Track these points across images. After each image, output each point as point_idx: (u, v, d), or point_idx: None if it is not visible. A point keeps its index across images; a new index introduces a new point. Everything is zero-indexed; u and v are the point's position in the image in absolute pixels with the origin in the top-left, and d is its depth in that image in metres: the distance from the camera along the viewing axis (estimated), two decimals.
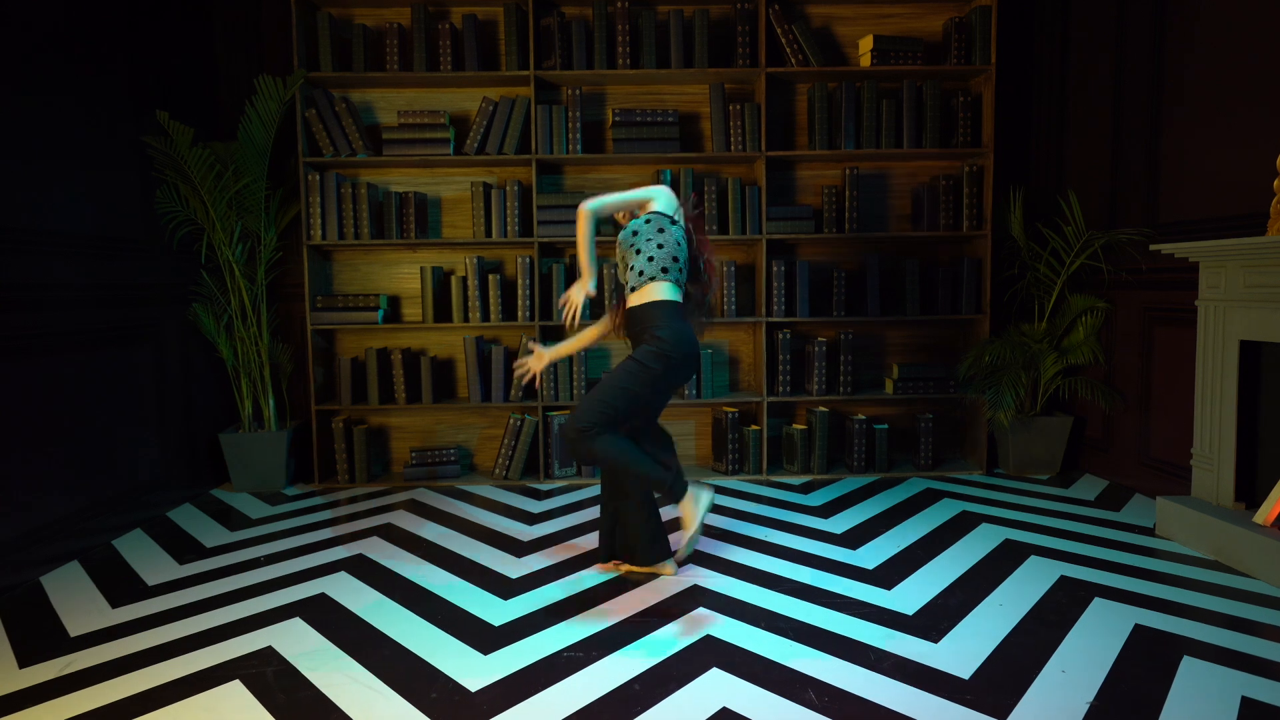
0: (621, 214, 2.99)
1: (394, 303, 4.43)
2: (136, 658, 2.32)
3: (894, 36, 4.19)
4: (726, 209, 4.20)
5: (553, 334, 4.31)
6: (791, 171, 4.45)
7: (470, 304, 4.20)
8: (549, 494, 4.02)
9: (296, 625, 2.52)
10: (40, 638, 2.46)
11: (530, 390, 4.21)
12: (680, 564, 2.95)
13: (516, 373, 3.14)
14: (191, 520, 3.64)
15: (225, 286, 4.06)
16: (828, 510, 3.67)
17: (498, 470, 4.25)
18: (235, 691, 2.12)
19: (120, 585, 2.87)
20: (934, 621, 2.49)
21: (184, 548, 3.27)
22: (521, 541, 3.31)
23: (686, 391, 4.22)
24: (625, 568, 2.94)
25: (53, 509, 3.06)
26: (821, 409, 4.25)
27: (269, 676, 2.20)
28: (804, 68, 4.14)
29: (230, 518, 3.67)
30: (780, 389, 4.26)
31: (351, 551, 3.19)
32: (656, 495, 2.83)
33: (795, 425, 4.33)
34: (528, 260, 4.17)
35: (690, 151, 4.28)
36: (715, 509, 3.69)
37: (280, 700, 2.08)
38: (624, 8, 4.08)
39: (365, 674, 2.21)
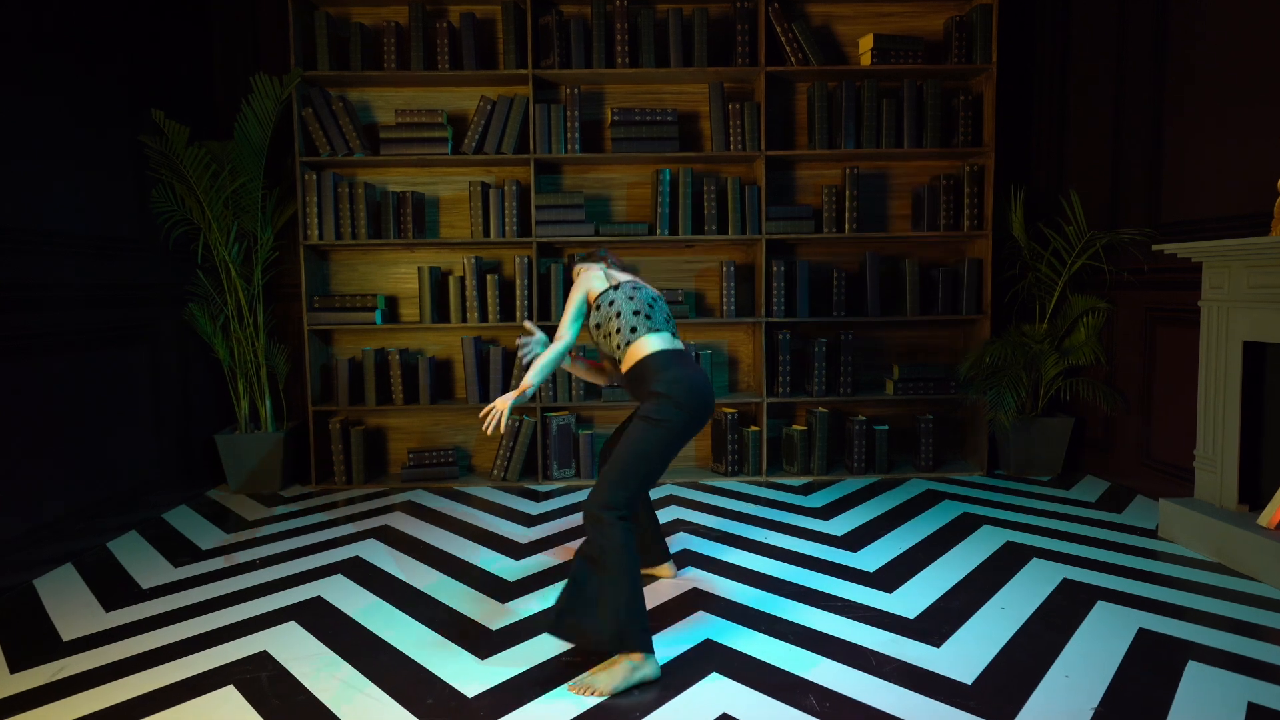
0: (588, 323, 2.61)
1: (391, 303, 4.40)
2: (129, 662, 2.29)
3: (894, 35, 4.16)
4: (726, 209, 4.17)
5: (551, 334, 4.28)
6: (791, 171, 4.43)
7: (468, 304, 4.17)
8: (547, 495, 4.00)
9: (292, 629, 2.49)
10: (32, 642, 2.43)
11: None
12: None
13: (520, 352, 2.67)
14: (187, 522, 3.61)
15: (221, 287, 4.04)
16: (828, 512, 3.65)
17: (496, 471, 4.23)
18: (229, 697, 2.10)
19: (114, 588, 2.85)
20: (936, 625, 2.47)
21: (179, 550, 3.24)
22: (520, 544, 3.28)
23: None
24: None
25: (47, 510, 3.03)
26: (821, 410, 4.23)
27: (264, 682, 2.18)
28: (804, 67, 4.12)
29: (226, 520, 3.65)
30: (780, 390, 4.24)
31: (348, 554, 3.16)
32: (600, 631, 2.19)
33: (795, 426, 4.31)
34: (526, 260, 4.15)
35: (689, 151, 4.26)
36: (715, 510, 3.67)
37: (275, 706, 2.05)
38: (622, 6, 4.05)
39: (361, 679, 2.18)
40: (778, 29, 4.13)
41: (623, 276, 2.61)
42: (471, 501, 3.90)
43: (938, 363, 4.48)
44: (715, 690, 2.11)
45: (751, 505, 3.77)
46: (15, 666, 2.28)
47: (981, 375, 4.07)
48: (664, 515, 3.61)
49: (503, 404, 2.40)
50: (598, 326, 2.55)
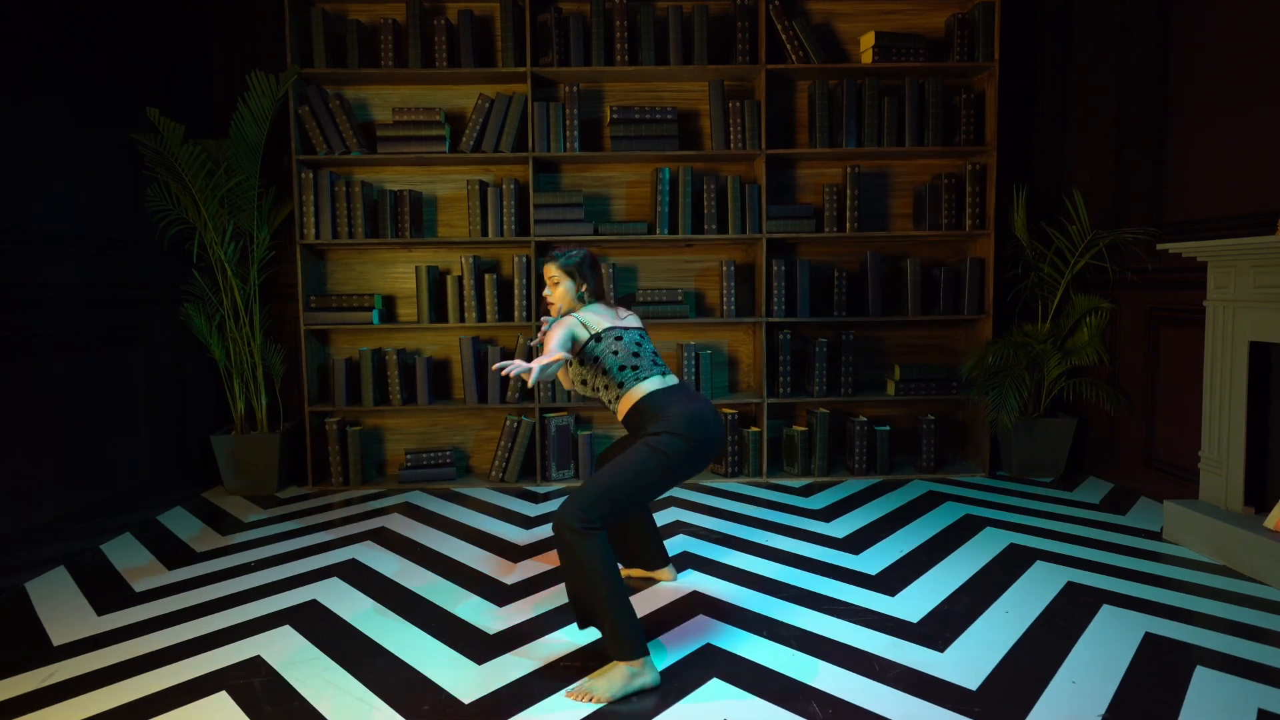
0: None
1: (389, 303, 4.37)
2: (120, 668, 2.26)
3: (896, 33, 4.13)
4: (726, 208, 4.14)
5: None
6: (792, 170, 4.39)
7: (466, 304, 4.14)
8: (546, 497, 3.96)
9: (286, 634, 2.46)
10: (22, 647, 2.40)
11: (527, 391, 4.15)
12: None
13: (508, 371, 2.18)
14: (182, 524, 3.58)
15: (217, 286, 4.00)
16: (829, 514, 3.61)
17: (494, 473, 4.20)
18: (222, 704, 2.06)
19: (107, 592, 2.81)
20: (939, 629, 2.43)
21: (173, 552, 3.21)
22: (518, 546, 3.25)
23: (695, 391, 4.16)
24: (625, 572, 2.88)
25: (40, 512, 2.99)
26: (822, 410, 4.19)
27: (257, 688, 2.14)
28: (804, 64, 4.08)
29: (221, 521, 3.61)
30: (780, 390, 4.20)
31: (344, 556, 3.13)
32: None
33: (795, 427, 4.27)
34: (524, 259, 4.11)
35: (689, 149, 4.22)
36: (715, 512, 3.63)
37: (268, 713, 2.02)
38: (622, 3, 4.02)
39: (356, 685, 2.15)
40: (778, 26, 4.09)
41: (603, 321, 2.44)
42: (469, 503, 3.87)
43: (939, 363, 4.44)
44: (716, 696, 2.07)
45: (752, 507, 3.73)
46: (4, 672, 2.24)
47: (983, 376, 4.03)
48: (663, 517, 3.58)
49: (525, 367, 2.08)
50: (584, 382, 2.46)
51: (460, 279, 4.14)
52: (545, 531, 3.42)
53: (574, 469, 4.20)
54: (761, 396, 4.19)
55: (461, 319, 4.16)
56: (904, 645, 2.34)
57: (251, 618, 2.58)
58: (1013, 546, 3.13)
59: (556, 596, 2.72)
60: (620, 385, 2.37)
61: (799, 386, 4.38)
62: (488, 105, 4.05)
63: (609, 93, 4.30)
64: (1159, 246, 3.28)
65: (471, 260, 4.11)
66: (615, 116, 4.06)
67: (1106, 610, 2.54)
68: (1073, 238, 3.97)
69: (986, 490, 3.95)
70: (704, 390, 4.20)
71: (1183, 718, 1.94)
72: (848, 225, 4.16)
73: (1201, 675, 2.13)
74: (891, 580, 2.83)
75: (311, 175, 4.05)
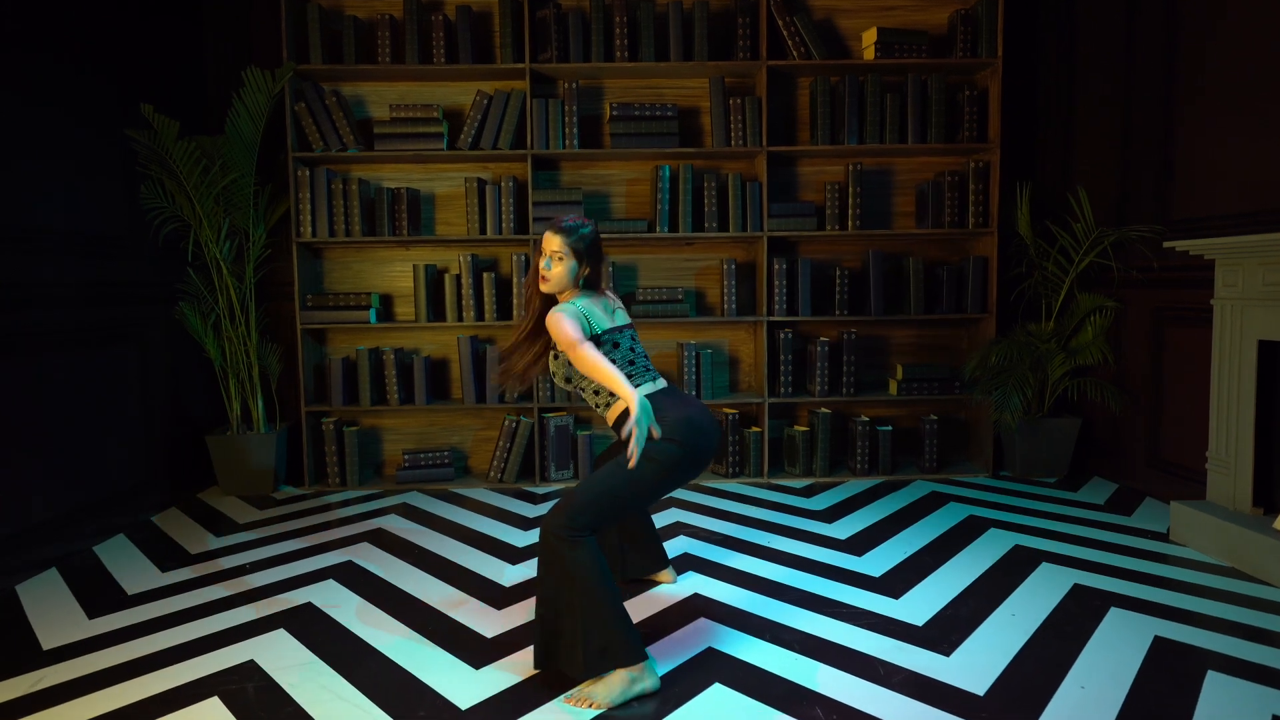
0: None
1: (386, 301, 4.32)
2: (111, 673, 2.21)
3: (898, 29, 4.09)
4: (727, 206, 4.10)
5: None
6: (793, 167, 4.35)
7: (464, 303, 4.10)
8: (544, 498, 3.92)
9: (281, 637, 2.42)
10: (11, 651, 2.35)
11: (526, 391, 4.11)
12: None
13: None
14: (176, 525, 3.53)
15: (213, 285, 3.96)
16: (831, 514, 3.57)
17: (492, 473, 4.16)
18: (214, 709, 2.02)
19: (99, 594, 2.77)
20: (944, 633, 2.39)
21: (167, 554, 3.16)
22: (516, 548, 3.21)
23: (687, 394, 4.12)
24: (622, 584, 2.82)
25: (32, 514, 2.95)
26: (824, 410, 4.15)
27: (250, 693, 2.10)
28: (806, 61, 4.04)
29: (216, 523, 3.57)
30: (782, 390, 4.16)
31: (341, 558, 3.09)
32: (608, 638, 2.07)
33: (797, 427, 4.23)
34: (523, 258, 4.07)
35: (689, 147, 4.18)
36: (716, 513, 3.59)
37: (261, 719, 1.98)
38: None
39: (351, 690, 2.11)
40: (779, 22, 4.05)
41: (603, 321, 2.32)
42: (467, 504, 3.82)
43: (942, 362, 4.40)
44: (718, 702, 2.03)
45: (753, 508, 3.69)
46: None
47: (987, 375, 3.99)
48: (663, 519, 3.54)
49: (638, 439, 1.99)
50: (568, 380, 2.37)
51: (458, 277, 4.10)
52: None
53: (573, 469, 4.16)
54: (762, 396, 4.15)
55: (460, 318, 4.11)
56: (909, 649, 2.30)
57: (245, 621, 2.53)
58: (1017, 548, 3.09)
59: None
60: (612, 395, 2.30)
61: (800, 386, 4.34)
62: (486, 102, 4.01)
63: (609, 89, 4.26)
64: (1165, 244, 3.24)
65: (469, 259, 4.07)
66: (615, 113, 4.02)
67: (1114, 613, 2.50)
68: (1077, 236, 3.92)
69: (990, 491, 3.91)
70: (704, 390, 4.15)
71: None
72: (849, 223, 4.12)
73: (1213, 680, 2.09)
74: (895, 582, 2.79)
75: (308, 172, 4.01)
